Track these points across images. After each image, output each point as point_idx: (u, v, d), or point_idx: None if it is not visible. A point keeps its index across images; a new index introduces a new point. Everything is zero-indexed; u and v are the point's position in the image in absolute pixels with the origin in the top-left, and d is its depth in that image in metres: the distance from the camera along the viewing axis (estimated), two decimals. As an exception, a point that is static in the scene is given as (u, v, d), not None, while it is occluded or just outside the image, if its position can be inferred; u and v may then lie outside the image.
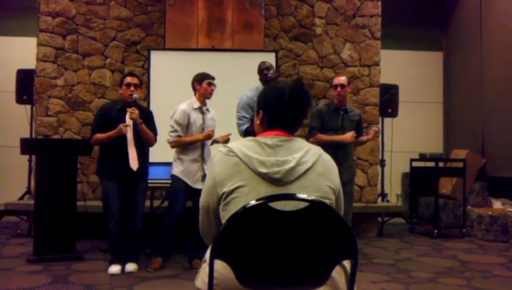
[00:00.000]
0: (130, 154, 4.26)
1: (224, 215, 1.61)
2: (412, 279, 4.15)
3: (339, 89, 4.69)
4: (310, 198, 1.43)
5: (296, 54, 6.56)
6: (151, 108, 5.73)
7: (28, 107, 6.45)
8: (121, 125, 4.15)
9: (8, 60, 7.28)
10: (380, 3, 6.65)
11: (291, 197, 1.51)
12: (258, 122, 1.82)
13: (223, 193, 1.62)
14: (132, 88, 4.26)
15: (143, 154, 4.43)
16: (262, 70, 4.56)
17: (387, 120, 7.05)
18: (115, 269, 4.20)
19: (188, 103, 4.51)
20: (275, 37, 6.55)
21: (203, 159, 4.48)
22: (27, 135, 6.31)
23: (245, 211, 1.40)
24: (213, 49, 6.18)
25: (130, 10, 6.38)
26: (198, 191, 4.11)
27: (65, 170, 4.65)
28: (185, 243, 4.58)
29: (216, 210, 1.68)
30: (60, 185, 4.60)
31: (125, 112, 4.27)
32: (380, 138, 6.77)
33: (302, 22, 6.57)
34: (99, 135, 4.25)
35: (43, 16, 6.21)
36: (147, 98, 6.07)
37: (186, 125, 4.43)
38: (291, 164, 1.61)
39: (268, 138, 1.69)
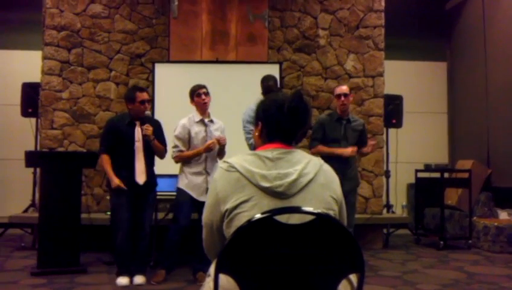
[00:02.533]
0: (137, 168, 4.28)
1: (229, 232, 1.59)
2: (419, 291, 4.12)
3: (342, 98, 4.68)
4: (316, 211, 1.42)
5: (300, 65, 6.57)
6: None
7: (33, 120, 6.47)
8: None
9: (13, 73, 7.32)
10: (383, 14, 6.67)
11: (297, 210, 1.50)
12: (257, 134, 1.81)
13: (226, 210, 1.61)
14: (146, 105, 4.32)
15: (151, 166, 4.45)
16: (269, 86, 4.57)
17: (391, 131, 7.03)
18: (124, 280, 4.19)
19: (189, 117, 4.52)
20: (279, 48, 6.56)
21: (207, 172, 4.47)
22: (32, 148, 6.33)
23: (250, 224, 1.39)
24: (217, 61, 6.20)
25: (135, 23, 6.42)
26: (203, 203, 4.15)
27: (70, 182, 4.65)
28: (189, 256, 4.55)
29: (219, 227, 1.66)
30: (65, 197, 4.60)
31: (134, 125, 4.29)
32: (384, 148, 6.75)
33: (306, 34, 6.59)
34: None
35: (48, 29, 6.25)
36: (152, 110, 6.08)
37: (187, 140, 4.44)
38: (293, 177, 1.60)
39: (269, 151, 1.68)
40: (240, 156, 1.71)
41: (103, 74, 6.33)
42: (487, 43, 7.55)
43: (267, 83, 4.57)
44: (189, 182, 4.43)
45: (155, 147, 4.38)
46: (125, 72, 6.37)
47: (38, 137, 6.33)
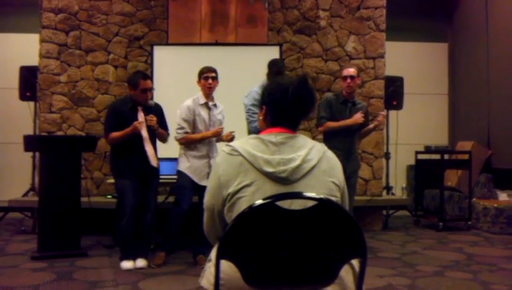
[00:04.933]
0: (148, 151, 4.29)
1: (231, 216, 1.59)
2: (418, 273, 4.13)
3: (348, 80, 4.66)
4: (318, 197, 1.41)
5: (300, 47, 6.51)
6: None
7: (31, 103, 6.43)
8: (136, 123, 4.17)
9: (10, 56, 7.27)
10: (384, -6, 6.60)
11: (299, 195, 1.49)
12: (261, 117, 1.80)
13: (228, 194, 1.60)
14: (148, 93, 4.31)
15: (156, 151, 4.44)
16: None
17: (392, 112, 7.00)
18: (129, 264, 4.21)
19: (193, 98, 4.48)
20: (279, 30, 6.50)
21: (209, 156, 4.46)
22: (30, 132, 6.30)
23: (252, 210, 1.38)
24: (216, 44, 6.14)
25: (133, 5, 6.34)
26: (204, 187, 4.15)
27: (69, 166, 4.64)
28: (189, 238, 4.57)
29: (221, 212, 1.66)
30: (64, 181, 4.59)
31: (137, 110, 4.29)
32: (384, 130, 6.73)
33: (306, 15, 6.52)
34: (115, 133, 4.24)
35: (45, 12, 6.18)
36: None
37: (192, 122, 4.41)
38: (297, 162, 1.59)
39: (272, 135, 1.67)
40: (243, 139, 1.70)
41: (101, 56, 6.28)
42: (489, 24, 7.48)
43: (276, 69, 4.52)
44: (191, 165, 4.42)
45: (159, 134, 4.41)
46: (124, 55, 6.31)
47: (37, 121, 6.30)
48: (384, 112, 5.08)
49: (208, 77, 4.40)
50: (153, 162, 4.31)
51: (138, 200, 4.27)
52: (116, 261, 4.35)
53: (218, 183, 1.64)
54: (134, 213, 4.23)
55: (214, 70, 4.47)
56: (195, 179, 4.39)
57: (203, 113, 4.46)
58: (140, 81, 4.24)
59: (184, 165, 4.44)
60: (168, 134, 4.56)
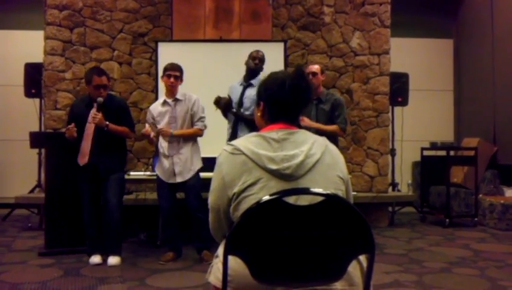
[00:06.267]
0: (82, 148, 4.27)
1: (237, 215, 1.58)
2: (425, 269, 4.12)
3: (310, 77, 4.51)
4: (325, 192, 1.40)
5: (305, 43, 6.49)
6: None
7: (37, 100, 6.45)
8: (69, 127, 4.17)
9: (15, 54, 7.27)
10: (389, -10, 6.56)
11: (306, 191, 1.48)
12: (259, 114, 1.78)
13: (234, 194, 1.59)
14: (101, 90, 4.22)
15: (111, 150, 4.33)
16: (254, 58, 4.50)
17: (397, 109, 6.97)
18: (95, 259, 4.25)
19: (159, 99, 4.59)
20: (283, 26, 6.48)
21: (170, 155, 4.40)
22: (36, 129, 6.32)
23: (259, 206, 1.37)
24: (221, 40, 6.13)
25: (137, 2, 6.34)
26: (175, 184, 4.38)
27: (75, 162, 4.63)
28: (191, 236, 4.61)
29: (226, 211, 1.64)
30: (70, 177, 4.59)
31: (92, 107, 4.26)
32: (390, 127, 6.70)
33: (311, 11, 6.50)
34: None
35: (49, 9, 6.18)
36: (155, 89, 6.06)
37: (153, 123, 4.46)
38: (300, 158, 1.58)
39: (273, 132, 1.65)
40: (244, 137, 1.69)
41: (106, 53, 6.28)
42: (494, 20, 7.44)
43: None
44: (160, 165, 4.50)
45: (114, 131, 4.27)
46: (128, 52, 6.31)
47: (42, 118, 6.31)
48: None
49: (170, 75, 4.38)
50: (80, 160, 4.27)
51: (94, 197, 4.31)
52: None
53: (223, 184, 1.62)
54: (91, 210, 4.30)
55: (177, 69, 4.42)
56: (164, 178, 4.44)
57: (164, 111, 4.44)
58: (93, 76, 4.20)
59: (157, 166, 4.57)
60: (133, 130, 4.50)
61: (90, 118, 4.19)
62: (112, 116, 4.24)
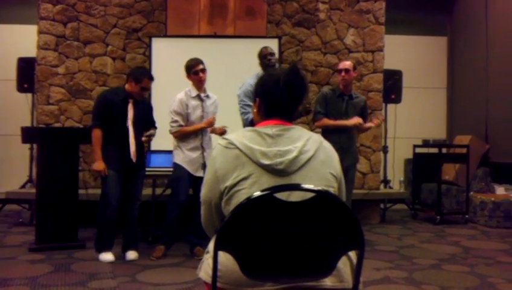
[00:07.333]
0: (131, 148, 4.27)
1: (228, 210, 1.58)
2: (415, 266, 4.15)
3: (343, 73, 4.65)
4: (316, 188, 1.41)
5: (299, 40, 6.49)
6: (153, 95, 5.73)
7: (29, 95, 6.42)
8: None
9: (8, 48, 7.22)
10: (383, -12, 6.57)
11: (297, 187, 1.48)
12: (255, 110, 1.80)
13: (225, 188, 1.59)
14: (144, 93, 4.37)
15: (142, 144, 4.42)
16: (265, 55, 4.46)
17: (390, 106, 7.00)
18: (108, 256, 4.22)
19: (185, 91, 4.49)
20: (278, 22, 6.48)
21: (203, 148, 4.46)
22: (28, 124, 6.29)
23: (250, 202, 1.37)
24: (215, 36, 6.12)
25: (131, -4, 6.31)
26: (199, 178, 4.19)
27: (67, 158, 4.64)
28: (186, 230, 4.57)
29: (218, 205, 1.65)
30: (62, 173, 4.59)
31: (128, 103, 4.27)
32: (382, 124, 6.72)
33: (305, 8, 6.50)
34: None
35: (43, 3, 6.15)
36: (149, 85, 6.04)
37: (185, 115, 4.42)
38: (294, 154, 1.58)
39: (268, 128, 1.66)
40: (239, 132, 1.69)
41: (99, 48, 6.25)
42: (488, 18, 7.47)
43: (264, 62, 4.49)
44: (185, 156, 4.43)
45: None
46: (122, 47, 6.29)
47: (35, 113, 6.29)
48: (382, 116, 5.01)
49: (197, 72, 4.40)
50: (134, 156, 4.29)
51: (122, 193, 4.27)
52: (116, 253, 4.34)
53: (215, 177, 1.63)
54: (117, 206, 4.24)
55: (201, 62, 4.46)
56: (191, 170, 4.40)
57: (197, 105, 4.46)
58: (145, 79, 4.23)
59: (179, 157, 4.45)
60: (155, 127, 4.56)
61: (130, 112, 4.26)
62: (142, 113, 4.37)
